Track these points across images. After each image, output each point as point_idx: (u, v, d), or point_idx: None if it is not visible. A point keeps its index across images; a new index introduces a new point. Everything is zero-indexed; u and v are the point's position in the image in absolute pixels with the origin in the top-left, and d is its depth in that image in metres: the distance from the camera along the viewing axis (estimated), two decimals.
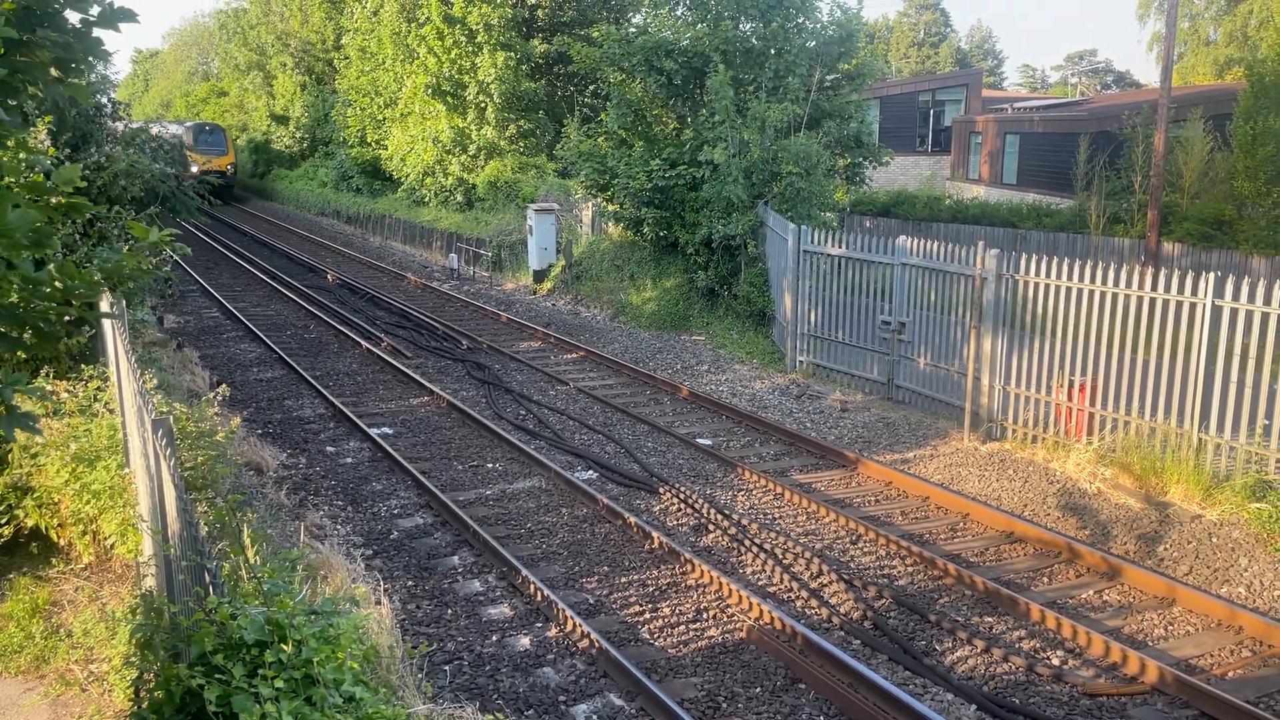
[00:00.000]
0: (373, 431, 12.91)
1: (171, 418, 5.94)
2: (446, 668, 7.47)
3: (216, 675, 3.75)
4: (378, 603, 7.15)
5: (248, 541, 4.96)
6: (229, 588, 4.31)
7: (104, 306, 8.85)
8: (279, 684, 3.70)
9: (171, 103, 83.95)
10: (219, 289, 24.12)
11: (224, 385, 10.66)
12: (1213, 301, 10.48)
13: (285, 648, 3.80)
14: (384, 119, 37.59)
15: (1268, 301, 10.06)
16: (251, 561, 4.56)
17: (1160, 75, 22.32)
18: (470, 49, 30.49)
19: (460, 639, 7.92)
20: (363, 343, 18.05)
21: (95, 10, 3.86)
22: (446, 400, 14.41)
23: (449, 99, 31.62)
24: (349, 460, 12.14)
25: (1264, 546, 9.39)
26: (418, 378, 15.66)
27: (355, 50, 40.59)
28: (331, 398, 14.44)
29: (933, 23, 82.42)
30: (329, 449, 12.54)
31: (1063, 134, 29.24)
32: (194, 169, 41.79)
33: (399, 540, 9.84)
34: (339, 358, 17.51)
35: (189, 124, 49.02)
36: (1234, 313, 10.39)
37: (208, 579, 4.11)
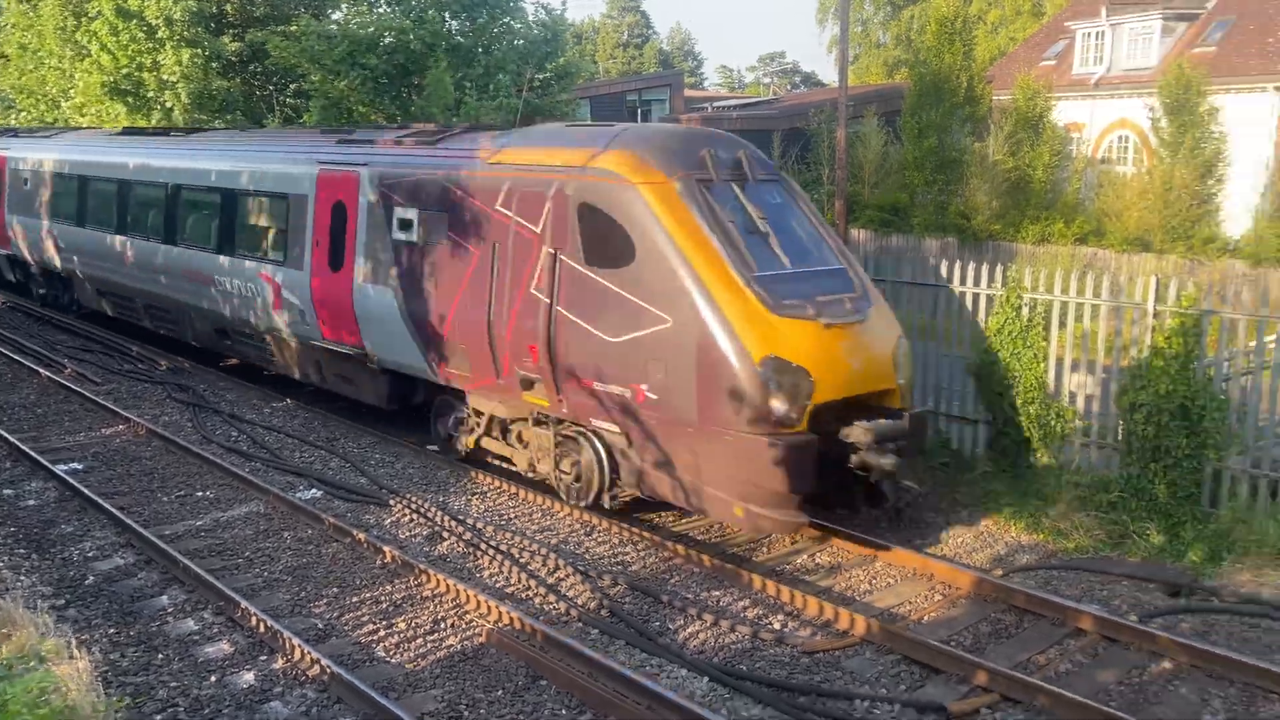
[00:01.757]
0: (59, 469, 11.62)
1: None
2: (158, 717, 6.85)
3: None
4: (71, 657, 6.43)
5: None
6: None
7: None
8: None
9: None
10: None
11: None
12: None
13: None
14: (54, 120, 33.91)
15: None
16: None
17: (838, 75, 24.27)
18: (150, 45, 28.09)
19: (174, 684, 7.29)
20: (42, 371, 16.19)
21: None
22: (145, 427, 13.22)
23: (129, 99, 29.00)
24: (31, 503, 10.86)
25: (945, 500, 10.47)
26: (110, 405, 14.26)
27: (14, 47, 36.32)
28: (5, 434, 12.84)
29: (635, 25, 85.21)
30: (6, 492, 11.15)
31: (758, 131, 31.15)
32: (777, 407, 8.48)
33: (96, 585, 8.92)
34: (13, 389, 15.61)
35: (662, 135, 10.33)
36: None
37: None
